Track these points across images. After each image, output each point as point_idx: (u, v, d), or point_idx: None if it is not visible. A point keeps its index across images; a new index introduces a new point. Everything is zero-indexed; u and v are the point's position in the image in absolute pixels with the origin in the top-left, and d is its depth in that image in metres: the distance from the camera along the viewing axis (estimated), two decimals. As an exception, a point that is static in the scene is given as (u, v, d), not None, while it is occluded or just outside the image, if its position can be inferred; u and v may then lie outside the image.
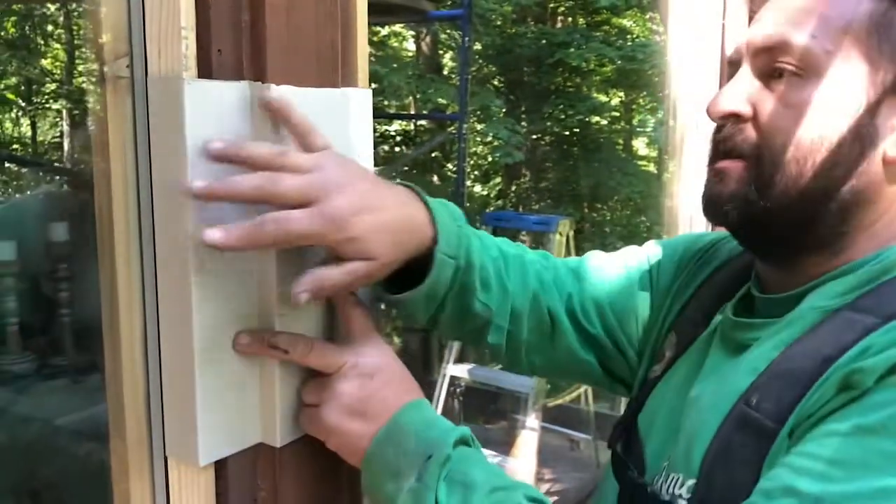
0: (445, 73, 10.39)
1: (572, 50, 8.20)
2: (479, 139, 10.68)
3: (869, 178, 0.78)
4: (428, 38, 10.51)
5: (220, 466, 0.74)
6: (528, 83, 9.55)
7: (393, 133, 10.50)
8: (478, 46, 10.04)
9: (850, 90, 0.77)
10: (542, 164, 10.01)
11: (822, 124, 0.77)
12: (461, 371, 3.76)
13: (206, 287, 0.70)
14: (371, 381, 0.76)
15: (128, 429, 0.74)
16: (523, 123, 9.27)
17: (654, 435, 0.90)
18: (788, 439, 0.70)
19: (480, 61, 9.99)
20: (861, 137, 0.77)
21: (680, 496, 0.79)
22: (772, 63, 0.79)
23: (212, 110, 0.69)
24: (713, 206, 0.83)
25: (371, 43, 10.77)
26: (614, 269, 1.04)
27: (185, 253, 0.69)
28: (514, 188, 10.15)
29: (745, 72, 0.82)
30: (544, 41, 8.97)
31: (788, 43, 0.78)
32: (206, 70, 0.70)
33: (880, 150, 0.77)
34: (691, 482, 0.78)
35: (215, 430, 0.72)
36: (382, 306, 0.94)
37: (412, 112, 10.09)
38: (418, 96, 9.10)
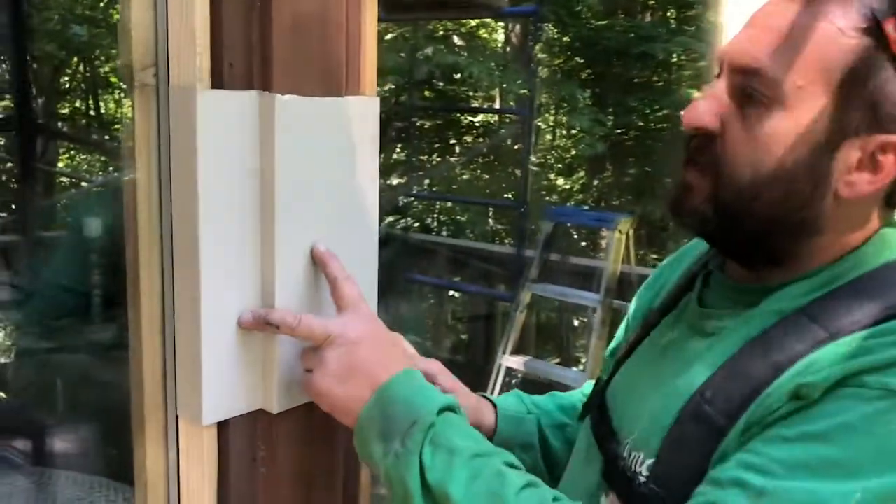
0: (533, 64, 10.37)
1: (657, 43, 8.12)
2: (563, 132, 10.67)
3: (820, 211, 0.82)
4: (517, 29, 10.54)
5: (222, 427, 0.84)
6: (614, 76, 9.49)
7: (477, 124, 10.59)
8: (566, 39, 10.02)
9: (813, 128, 0.79)
10: (625, 159, 9.93)
11: (780, 158, 0.80)
12: (517, 363, 3.84)
13: (214, 271, 0.80)
14: (357, 348, 0.84)
15: (146, 392, 0.85)
16: (609, 116, 9.21)
17: (618, 407, 0.97)
18: (741, 437, 0.77)
19: (567, 53, 9.96)
20: (816, 175, 0.80)
21: (640, 473, 0.85)
22: (745, 83, 0.81)
23: (222, 116, 0.80)
24: (676, 213, 0.89)
25: (459, 34, 10.86)
26: None
27: (195, 241, 0.79)
28: (596, 182, 10.10)
29: (721, 87, 0.85)
30: (632, 34, 8.89)
31: (761, 71, 0.80)
32: (218, 81, 0.80)
33: (832, 187, 0.81)
34: (650, 461, 0.84)
35: (219, 395, 0.83)
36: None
37: (496, 104, 10.13)
38: (504, 86, 9.14)
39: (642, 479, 0.85)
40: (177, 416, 0.85)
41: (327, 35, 0.86)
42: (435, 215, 11.17)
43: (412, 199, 8.63)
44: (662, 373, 0.91)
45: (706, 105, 0.84)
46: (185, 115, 0.79)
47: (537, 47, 10.57)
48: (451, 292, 6.99)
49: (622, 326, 1.17)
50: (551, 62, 10.03)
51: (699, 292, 0.96)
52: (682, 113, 0.86)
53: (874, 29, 0.76)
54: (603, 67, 9.71)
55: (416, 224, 11.05)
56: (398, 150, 9.68)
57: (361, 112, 0.91)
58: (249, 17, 0.81)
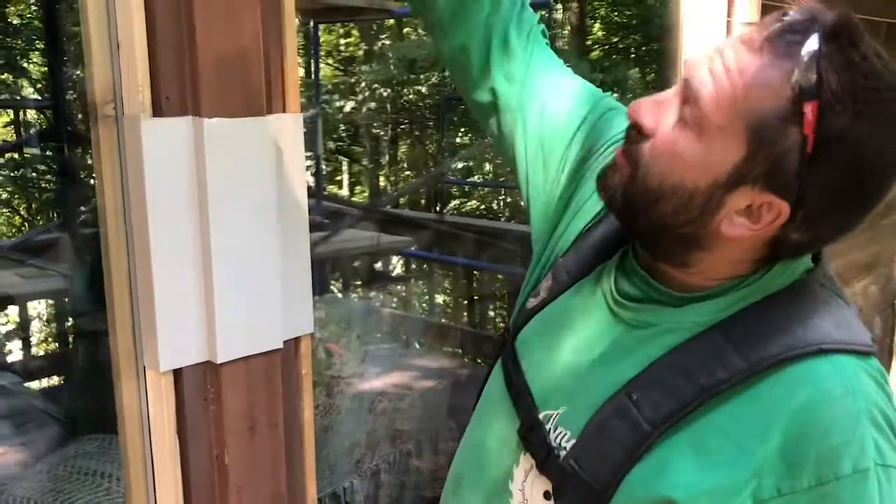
0: (589, 43, 10.45)
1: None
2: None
3: (704, 233, 0.91)
4: (576, 8, 10.62)
5: (178, 374, 1.10)
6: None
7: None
8: (625, 15, 10.07)
9: (717, 166, 0.87)
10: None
11: (682, 178, 0.89)
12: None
13: (162, 260, 1.05)
14: None
15: (120, 349, 1.11)
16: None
17: (534, 371, 1.05)
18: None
19: (622, 32, 10.01)
20: (707, 205, 0.89)
21: (564, 449, 0.96)
22: (687, 102, 0.88)
23: (163, 139, 1.04)
24: (598, 185, 0.99)
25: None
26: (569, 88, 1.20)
27: (147, 237, 1.04)
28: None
29: (672, 93, 0.92)
30: (688, 9, 8.89)
31: (699, 99, 0.86)
32: (158, 111, 1.05)
33: (717, 220, 0.89)
34: (574, 441, 0.95)
35: (172, 349, 1.08)
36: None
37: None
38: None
39: (563, 453, 0.95)
40: (144, 366, 1.11)
41: (247, 67, 1.10)
42: (500, 198, 11.35)
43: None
44: (587, 355, 1.00)
45: (650, 106, 0.92)
46: (134, 139, 1.04)
47: (596, 24, 10.61)
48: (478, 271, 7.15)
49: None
50: (608, 40, 10.10)
51: (615, 275, 1.03)
52: (631, 104, 0.94)
53: (797, 103, 0.82)
54: (661, 43, 9.74)
55: (483, 206, 11.26)
56: (461, 134, 9.84)
57: (284, 127, 1.16)
58: (180, 57, 1.05)
